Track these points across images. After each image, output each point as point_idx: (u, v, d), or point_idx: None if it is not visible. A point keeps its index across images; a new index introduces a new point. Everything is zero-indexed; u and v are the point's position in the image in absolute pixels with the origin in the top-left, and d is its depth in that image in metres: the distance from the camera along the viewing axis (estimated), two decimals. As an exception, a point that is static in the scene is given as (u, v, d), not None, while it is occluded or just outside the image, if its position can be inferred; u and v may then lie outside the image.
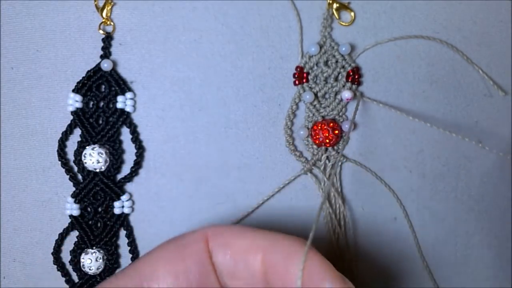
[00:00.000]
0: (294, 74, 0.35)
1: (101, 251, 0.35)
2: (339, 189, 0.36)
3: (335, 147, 0.35)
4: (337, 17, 0.35)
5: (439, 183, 0.36)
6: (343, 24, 0.36)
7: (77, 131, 0.35)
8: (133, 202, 0.35)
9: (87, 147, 0.34)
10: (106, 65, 0.35)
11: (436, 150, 0.36)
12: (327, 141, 0.35)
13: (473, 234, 0.36)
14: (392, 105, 0.36)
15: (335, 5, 0.35)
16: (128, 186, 0.35)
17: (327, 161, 0.36)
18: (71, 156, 0.35)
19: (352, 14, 0.36)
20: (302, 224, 0.35)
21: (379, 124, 0.36)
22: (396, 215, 0.36)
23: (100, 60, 0.35)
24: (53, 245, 0.35)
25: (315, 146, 0.35)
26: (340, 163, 0.36)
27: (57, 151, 0.35)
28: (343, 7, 0.35)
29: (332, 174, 0.35)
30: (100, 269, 0.35)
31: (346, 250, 0.36)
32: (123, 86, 0.35)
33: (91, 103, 0.35)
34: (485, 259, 0.36)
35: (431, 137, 0.36)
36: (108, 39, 0.35)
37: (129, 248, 0.35)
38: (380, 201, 0.36)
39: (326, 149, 0.36)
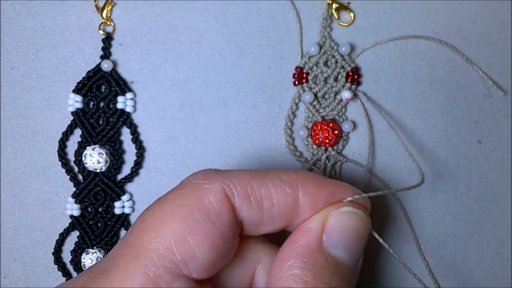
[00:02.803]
0: (294, 74, 0.35)
1: (102, 251, 0.35)
2: (339, 189, 0.36)
3: (335, 147, 0.36)
4: (337, 18, 0.35)
5: (439, 183, 0.36)
6: (343, 24, 0.36)
7: (78, 132, 0.35)
8: (134, 202, 0.35)
9: (87, 147, 0.34)
10: (106, 66, 0.35)
11: (436, 150, 0.36)
12: (327, 141, 0.35)
13: (473, 234, 0.36)
14: (391, 106, 0.36)
15: (334, 5, 0.35)
16: (129, 186, 0.36)
17: (327, 161, 0.36)
18: (71, 156, 0.35)
19: (352, 14, 0.36)
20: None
21: (379, 124, 0.36)
22: (396, 215, 0.36)
23: (100, 60, 0.35)
24: (54, 245, 0.35)
25: (315, 146, 0.35)
26: (340, 163, 0.36)
27: (58, 151, 0.35)
28: (342, 7, 0.35)
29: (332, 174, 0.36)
30: (101, 269, 0.35)
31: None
32: (123, 87, 0.35)
33: (92, 103, 0.35)
34: (485, 259, 0.36)
35: (431, 137, 0.36)
36: (108, 39, 0.35)
37: (129, 248, 0.35)
38: (380, 201, 0.36)
39: (326, 149, 0.36)
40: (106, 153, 0.34)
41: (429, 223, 0.36)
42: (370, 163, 0.36)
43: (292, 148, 0.35)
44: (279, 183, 0.27)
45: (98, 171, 0.35)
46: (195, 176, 0.27)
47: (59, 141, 0.35)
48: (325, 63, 0.36)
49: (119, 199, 0.35)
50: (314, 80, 0.36)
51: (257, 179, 0.27)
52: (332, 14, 0.35)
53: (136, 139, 0.35)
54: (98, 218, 0.35)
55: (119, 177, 0.35)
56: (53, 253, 0.35)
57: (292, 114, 0.36)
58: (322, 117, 0.36)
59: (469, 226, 0.36)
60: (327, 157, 0.36)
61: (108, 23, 0.35)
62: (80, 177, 0.35)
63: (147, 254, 0.24)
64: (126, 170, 0.35)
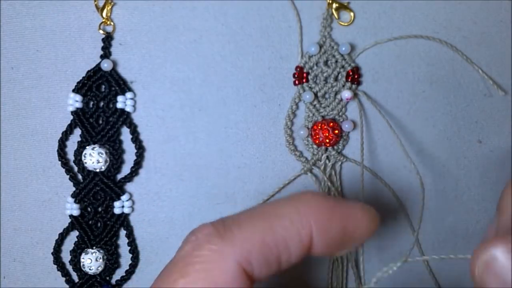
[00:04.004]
0: (294, 74, 0.35)
1: (101, 251, 0.35)
2: (339, 189, 0.36)
3: (335, 147, 0.35)
4: (337, 17, 0.35)
5: (439, 183, 0.36)
6: (343, 24, 0.36)
7: (77, 131, 0.35)
8: (133, 202, 0.35)
9: (87, 147, 0.34)
10: (106, 65, 0.35)
11: (436, 150, 0.36)
12: (327, 141, 0.35)
13: (473, 234, 0.36)
14: (391, 106, 0.36)
15: (334, 5, 0.35)
16: (128, 186, 0.35)
17: (327, 161, 0.36)
18: (71, 156, 0.35)
19: (352, 14, 0.36)
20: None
21: (379, 124, 0.36)
22: (396, 215, 0.36)
23: (100, 60, 0.35)
24: (53, 245, 0.35)
25: (315, 146, 0.35)
26: (340, 163, 0.36)
27: (57, 151, 0.35)
28: (342, 7, 0.35)
29: (332, 174, 0.36)
30: (100, 269, 0.35)
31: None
32: (123, 86, 0.35)
33: (91, 103, 0.35)
34: (485, 259, 0.36)
35: (431, 137, 0.36)
36: (108, 39, 0.35)
37: (129, 248, 0.35)
38: (380, 201, 0.36)
39: (326, 149, 0.35)
40: (106, 152, 0.34)
41: (429, 223, 0.36)
42: (371, 163, 0.36)
43: (292, 148, 0.35)
44: (293, 229, 0.24)
45: (97, 170, 0.35)
46: (199, 245, 0.23)
47: (58, 141, 0.35)
48: (325, 63, 0.36)
49: (119, 199, 0.35)
50: (314, 79, 0.36)
51: (269, 233, 0.24)
52: (332, 13, 0.35)
53: (136, 139, 0.35)
54: (98, 218, 0.35)
55: (119, 176, 0.35)
56: (52, 253, 0.35)
57: (292, 114, 0.36)
58: (322, 116, 0.36)
59: (469, 226, 0.36)
60: (327, 156, 0.36)
61: (108, 22, 0.35)
62: (79, 176, 0.35)
63: None
64: (125, 170, 0.35)
